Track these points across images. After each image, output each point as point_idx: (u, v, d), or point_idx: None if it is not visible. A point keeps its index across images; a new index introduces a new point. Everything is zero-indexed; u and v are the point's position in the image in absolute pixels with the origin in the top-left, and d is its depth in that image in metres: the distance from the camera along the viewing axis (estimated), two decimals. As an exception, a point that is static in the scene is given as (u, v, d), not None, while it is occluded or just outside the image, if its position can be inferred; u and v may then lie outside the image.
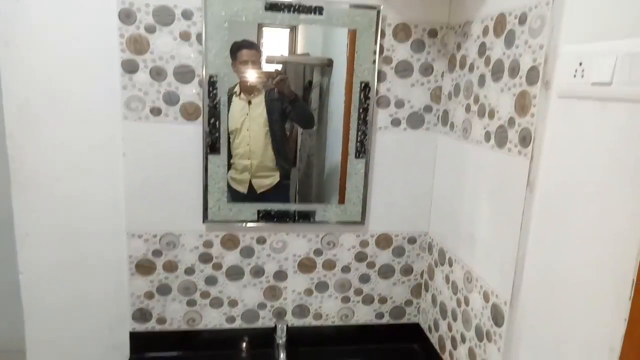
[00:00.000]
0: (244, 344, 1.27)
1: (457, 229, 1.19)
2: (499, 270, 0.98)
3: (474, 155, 1.10)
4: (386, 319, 1.44)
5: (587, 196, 0.73)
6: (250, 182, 1.27)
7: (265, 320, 1.38)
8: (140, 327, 1.31)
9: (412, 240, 1.39)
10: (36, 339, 1.28)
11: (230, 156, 1.23)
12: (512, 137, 0.93)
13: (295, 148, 1.29)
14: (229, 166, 1.24)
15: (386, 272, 1.40)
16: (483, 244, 1.06)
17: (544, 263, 0.84)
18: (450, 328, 1.23)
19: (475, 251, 1.10)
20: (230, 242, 1.30)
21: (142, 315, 1.30)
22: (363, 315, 1.42)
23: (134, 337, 1.31)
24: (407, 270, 1.41)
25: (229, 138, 1.22)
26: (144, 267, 1.27)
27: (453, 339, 1.21)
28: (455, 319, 1.20)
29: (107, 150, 1.20)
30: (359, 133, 1.26)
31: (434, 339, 1.34)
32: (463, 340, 1.15)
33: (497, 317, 0.98)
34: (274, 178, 1.29)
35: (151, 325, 1.31)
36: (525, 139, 0.89)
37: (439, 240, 1.31)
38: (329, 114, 1.27)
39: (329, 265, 1.36)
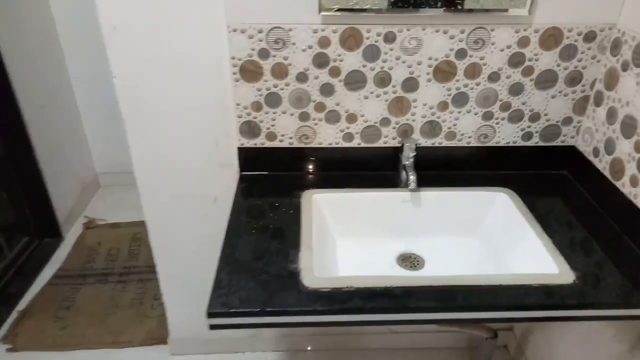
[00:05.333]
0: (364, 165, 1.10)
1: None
2: None
3: None
4: (534, 141, 1.18)
5: None
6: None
7: (387, 139, 1.17)
8: (249, 143, 1.15)
9: (589, 37, 1.04)
10: (140, 155, 1.18)
11: None
12: None
13: None
14: None
15: (546, 80, 1.09)
16: None
17: None
18: (640, 147, 0.95)
19: None
20: (351, 40, 1.03)
21: (249, 129, 1.13)
22: (507, 135, 1.17)
23: (243, 152, 1.16)
24: (574, 79, 1.09)
25: None
26: (249, 72, 1.06)
27: (643, 161, 0.94)
28: (652, 135, 0.91)
29: None
30: None
31: (601, 163, 1.08)
32: (664, 161, 0.88)
33: None
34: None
35: (260, 141, 1.15)
36: None
37: (637, 33, 0.96)
38: None
39: (473, 71, 1.08)
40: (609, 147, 1.04)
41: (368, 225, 1.14)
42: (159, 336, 1.67)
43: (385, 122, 1.14)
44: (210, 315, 0.81)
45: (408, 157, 1.12)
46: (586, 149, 1.14)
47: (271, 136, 1.14)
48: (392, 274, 0.89)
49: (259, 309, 0.82)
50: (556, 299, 0.84)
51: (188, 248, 1.36)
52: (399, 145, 1.14)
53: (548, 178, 1.20)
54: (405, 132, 1.16)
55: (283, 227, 1.01)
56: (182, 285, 1.43)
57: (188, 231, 1.33)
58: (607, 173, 1.06)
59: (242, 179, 1.17)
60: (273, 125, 1.13)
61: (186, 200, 1.27)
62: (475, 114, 1.13)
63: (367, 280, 0.88)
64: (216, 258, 0.91)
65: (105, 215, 2.34)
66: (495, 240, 1.11)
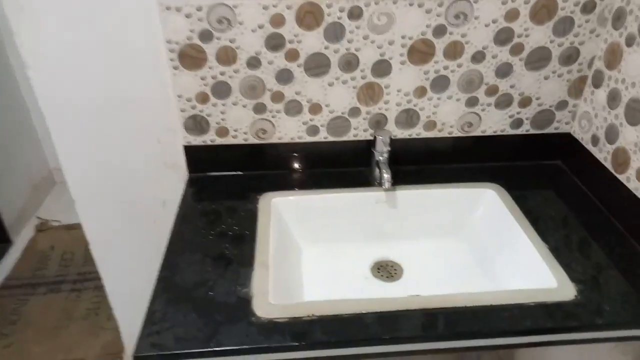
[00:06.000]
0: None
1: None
2: None
3: None
4: (525, 128, 1.04)
5: None
6: None
7: (358, 131, 1.01)
8: (196, 140, 0.99)
9: (588, 8, 0.89)
10: (69, 156, 1.01)
11: None
12: None
13: None
14: None
15: (538, 59, 0.94)
16: None
17: None
18: (649, 137, 0.81)
19: None
20: (309, 17, 0.86)
21: (196, 124, 0.96)
22: (494, 123, 1.02)
23: (190, 151, 1.00)
24: (570, 57, 0.95)
25: None
26: (190, 58, 0.89)
27: (653, 153, 0.80)
28: (665, 122, 0.77)
29: None
30: None
31: (602, 153, 0.94)
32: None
33: None
34: None
35: (210, 138, 0.99)
36: None
37: (644, 1, 0.81)
38: None
39: (454, 51, 0.92)
40: (611, 135, 0.91)
41: (338, 231, 1.00)
42: (115, 351, 1.52)
43: (354, 112, 0.98)
44: (138, 360, 0.66)
45: (382, 151, 0.97)
46: (583, 137, 1.00)
47: (222, 132, 0.98)
48: (362, 296, 0.75)
49: (197, 350, 0.67)
50: (556, 320, 0.71)
51: (137, 257, 1.20)
52: (372, 138, 0.99)
53: (540, 169, 1.07)
54: (378, 122, 1.00)
55: (235, 239, 0.86)
56: (133, 297, 1.27)
57: (135, 239, 1.16)
58: (608, 164, 0.92)
59: (191, 182, 1.01)
60: (223, 120, 0.96)
61: (130, 205, 1.10)
62: (458, 100, 0.98)
63: (332, 305, 0.73)
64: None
65: (60, 215, 2.16)
66: (482, 244, 0.97)
